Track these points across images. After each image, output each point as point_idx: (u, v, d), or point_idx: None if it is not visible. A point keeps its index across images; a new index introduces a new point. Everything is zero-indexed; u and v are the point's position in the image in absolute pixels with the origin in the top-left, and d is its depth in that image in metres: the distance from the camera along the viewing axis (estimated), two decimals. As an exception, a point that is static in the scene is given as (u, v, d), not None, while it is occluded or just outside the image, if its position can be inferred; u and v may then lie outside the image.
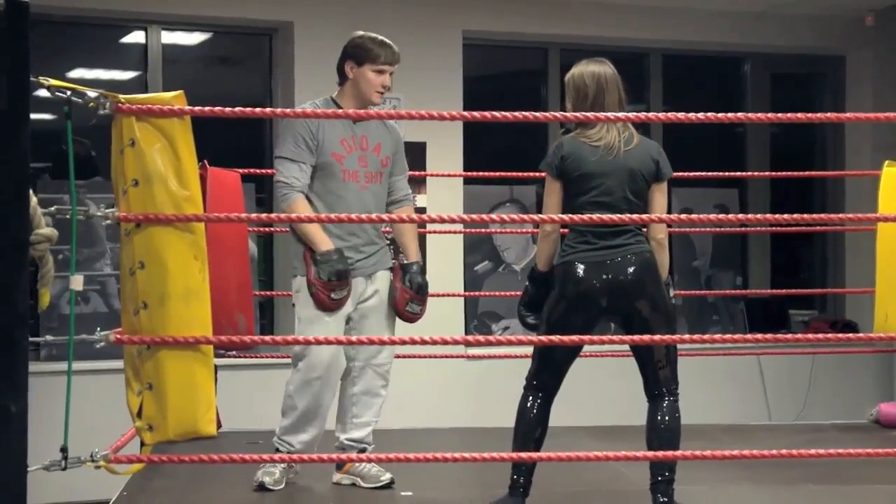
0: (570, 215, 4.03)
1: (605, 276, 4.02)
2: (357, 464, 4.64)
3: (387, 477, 4.61)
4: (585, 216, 3.97)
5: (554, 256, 4.20)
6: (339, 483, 4.68)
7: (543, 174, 4.18)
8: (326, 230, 4.45)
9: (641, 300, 4.06)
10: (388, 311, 4.65)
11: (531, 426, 4.14)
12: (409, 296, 4.61)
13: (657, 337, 3.96)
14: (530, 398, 4.16)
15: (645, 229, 4.16)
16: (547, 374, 4.15)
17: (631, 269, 4.03)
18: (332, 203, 4.50)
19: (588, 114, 4.07)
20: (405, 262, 4.67)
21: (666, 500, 4.05)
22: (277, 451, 4.56)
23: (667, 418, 4.09)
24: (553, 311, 4.11)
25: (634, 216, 4.01)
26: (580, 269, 4.04)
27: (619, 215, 3.97)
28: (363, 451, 4.67)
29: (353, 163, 4.55)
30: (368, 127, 4.62)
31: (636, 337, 3.94)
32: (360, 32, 4.66)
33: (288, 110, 4.35)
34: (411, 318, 4.65)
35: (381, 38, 4.62)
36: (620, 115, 4.03)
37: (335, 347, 4.43)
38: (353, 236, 4.55)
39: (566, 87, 4.22)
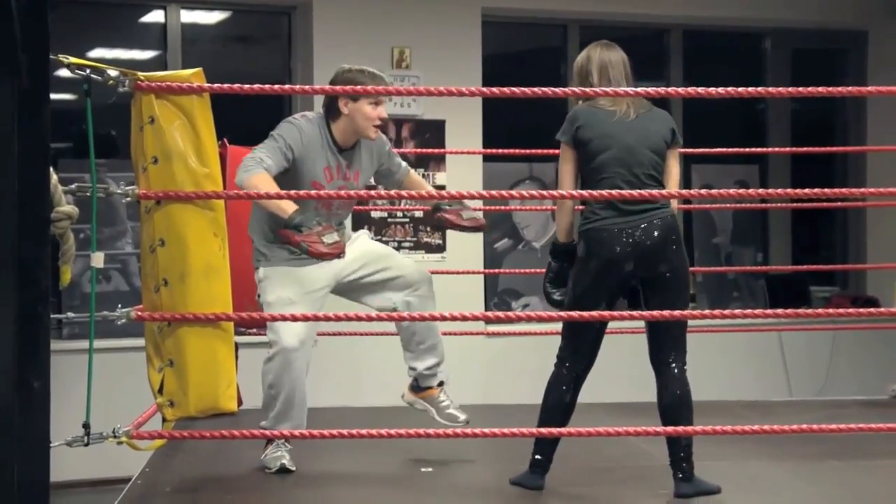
0: (591, 191, 4.01)
1: (630, 241, 4.00)
2: (437, 395, 4.67)
3: (463, 418, 4.65)
4: (605, 192, 3.95)
5: (573, 226, 4.19)
6: (411, 404, 4.73)
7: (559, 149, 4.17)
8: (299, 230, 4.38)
9: (664, 263, 4.04)
10: (382, 253, 4.69)
11: (558, 403, 4.13)
12: (455, 210, 4.61)
13: (676, 312, 3.94)
14: (560, 374, 4.15)
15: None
16: (576, 349, 4.14)
17: (656, 233, 4.02)
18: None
19: (608, 89, 4.06)
20: (432, 206, 4.69)
21: (686, 475, 4.05)
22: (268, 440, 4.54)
23: (677, 391, 4.07)
24: (578, 280, 4.09)
25: (654, 192, 3.98)
26: (605, 235, 4.02)
27: (637, 191, 3.95)
28: (441, 384, 4.71)
29: (330, 191, 4.50)
30: (352, 155, 4.57)
31: (657, 313, 3.92)
32: (346, 66, 4.52)
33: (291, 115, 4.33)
34: (475, 224, 4.65)
35: (369, 69, 4.50)
36: (638, 89, 4.02)
37: (308, 326, 4.37)
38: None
39: (574, 71, 4.25)
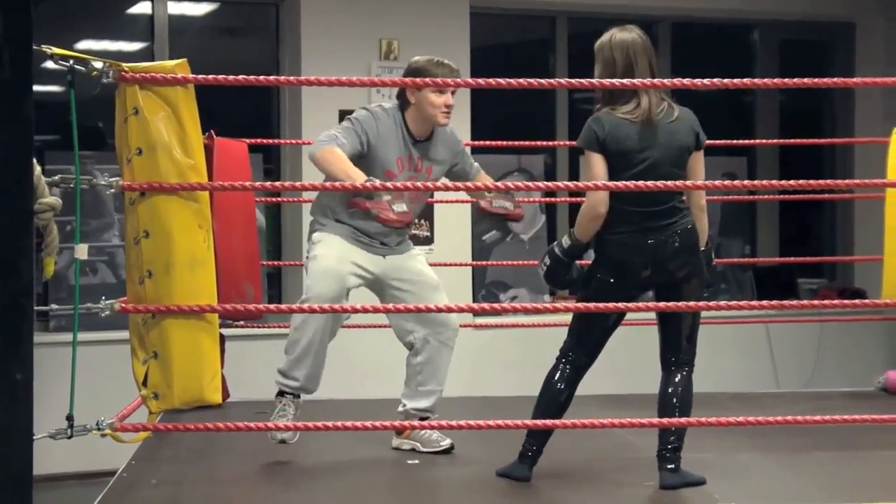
0: (596, 182, 3.93)
1: (647, 255, 3.98)
2: (418, 430, 4.69)
3: (446, 443, 4.67)
4: (611, 184, 3.88)
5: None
6: (398, 448, 4.73)
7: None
8: (364, 219, 4.40)
9: (680, 271, 4.01)
10: (433, 285, 4.66)
11: (555, 397, 4.13)
12: (489, 198, 4.56)
13: (672, 304, 3.93)
14: (560, 370, 4.14)
15: (685, 196, 4.11)
16: (582, 348, 4.12)
17: (676, 244, 3.99)
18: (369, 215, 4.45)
19: (593, 80, 4.02)
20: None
21: (673, 467, 4.05)
22: (280, 392, 4.56)
23: (680, 390, 4.07)
24: (595, 291, 4.03)
25: (651, 183, 3.89)
26: (623, 249, 3.98)
27: (644, 182, 3.85)
28: (426, 419, 4.70)
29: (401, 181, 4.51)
30: (428, 148, 4.62)
31: (652, 304, 3.91)
32: (417, 57, 4.63)
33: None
34: (505, 213, 4.59)
35: (437, 58, 4.58)
36: (626, 81, 3.95)
37: (339, 288, 4.40)
38: (386, 236, 4.58)
39: (595, 56, 4.10)
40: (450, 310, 3.68)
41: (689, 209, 4.09)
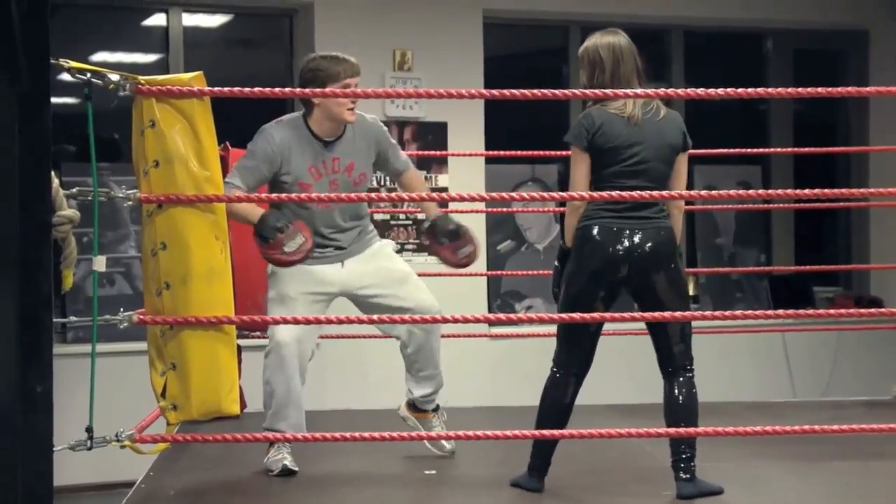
0: (596, 192, 4.00)
1: (623, 244, 4.01)
2: (431, 420, 4.77)
3: (449, 448, 4.73)
4: (610, 192, 3.94)
5: None
6: (405, 419, 4.80)
7: (568, 151, 4.13)
8: (312, 228, 4.38)
9: (656, 274, 4.04)
10: (399, 277, 4.62)
11: (554, 406, 4.13)
12: (452, 246, 4.60)
13: (678, 314, 3.95)
14: (555, 377, 4.15)
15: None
16: (572, 351, 4.14)
17: (649, 244, 4.02)
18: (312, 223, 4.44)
19: (608, 90, 4.04)
20: (427, 223, 4.65)
21: (688, 476, 4.05)
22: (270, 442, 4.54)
23: (683, 395, 4.08)
24: (573, 278, 4.08)
25: (656, 192, 3.97)
26: (599, 233, 4.02)
27: (641, 192, 3.94)
28: (436, 409, 4.77)
29: (322, 188, 4.46)
30: (340, 147, 4.53)
31: (658, 314, 3.93)
32: (311, 55, 4.54)
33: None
34: (468, 262, 4.65)
35: (333, 53, 4.48)
36: (640, 91, 4.00)
37: (301, 326, 4.37)
38: (336, 233, 4.55)
39: (580, 60, 4.17)
40: (424, 320, 3.70)
41: (668, 211, 4.13)
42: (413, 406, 4.81)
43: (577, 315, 3.87)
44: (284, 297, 4.46)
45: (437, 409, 4.81)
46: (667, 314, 3.91)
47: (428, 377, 4.73)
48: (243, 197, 4.12)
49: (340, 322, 3.69)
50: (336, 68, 4.41)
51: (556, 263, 4.22)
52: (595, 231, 4.03)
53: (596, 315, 3.87)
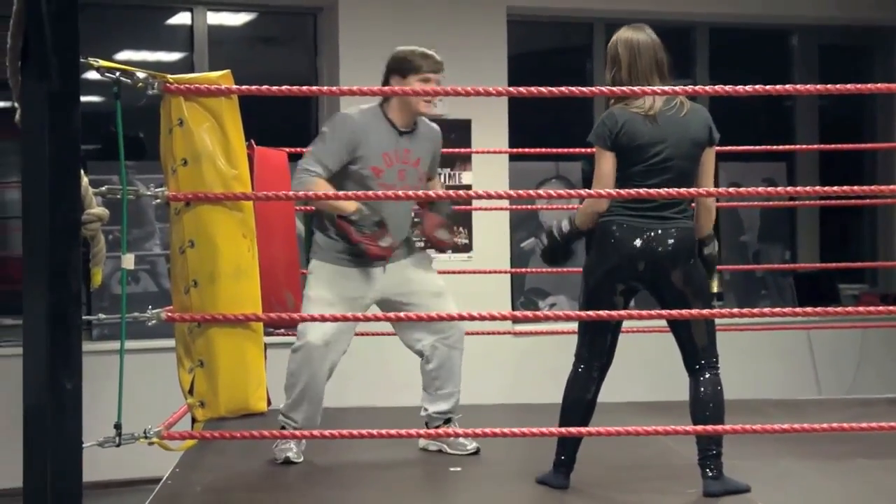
0: (619, 190, 4.00)
1: (643, 242, 4.00)
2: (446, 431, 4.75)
3: (473, 446, 4.75)
4: (633, 191, 3.94)
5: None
6: (425, 448, 4.81)
7: (592, 149, 4.12)
8: (359, 230, 4.47)
9: (675, 272, 4.04)
10: (437, 291, 4.71)
11: (577, 401, 4.13)
12: (439, 222, 4.70)
13: (706, 311, 3.94)
14: (577, 372, 4.16)
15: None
16: (593, 346, 4.14)
17: (671, 242, 4.01)
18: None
19: (635, 87, 4.03)
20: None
21: (715, 474, 4.04)
22: (283, 427, 4.61)
23: (709, 392, 4.07)
24: (593, 272, 4.09)
25: (682, 190, 3.94)
26: (618, 229, 4.02)
27: (667, 189, 3.91)
28: (448, 421, 4.78)
29: (391, 176, 4.57)
30: (414, 140, 4.66)
31: (682, 311, 3.92)
32: (401, 47, 4.66)
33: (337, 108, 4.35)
34: (440, 243, 4.74)
35: (421, 49, 4.62)
36: (667, 87, 4.00)
37: (336, 329, 4.46)
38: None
39: (607, 56, 4.19)
40: (451, 317, 3.76)
41: (691, 212, 4.12)
42: (427, 425, 4.80)
43: (603, 312, 3.86)
44: (322, 299, 4.53)
45: (449, 420, 4.81)
46: (693, 311, 3.90)
47: (446, 395, 4.77)
48: (271, 195, 4.14)
49: (367, 320, 3.71)
50: (419, 62, 4.57)
51: (560, 241, 4.22)
52: (615, 227, 4.04)
53: (623, 312, 3.87)
